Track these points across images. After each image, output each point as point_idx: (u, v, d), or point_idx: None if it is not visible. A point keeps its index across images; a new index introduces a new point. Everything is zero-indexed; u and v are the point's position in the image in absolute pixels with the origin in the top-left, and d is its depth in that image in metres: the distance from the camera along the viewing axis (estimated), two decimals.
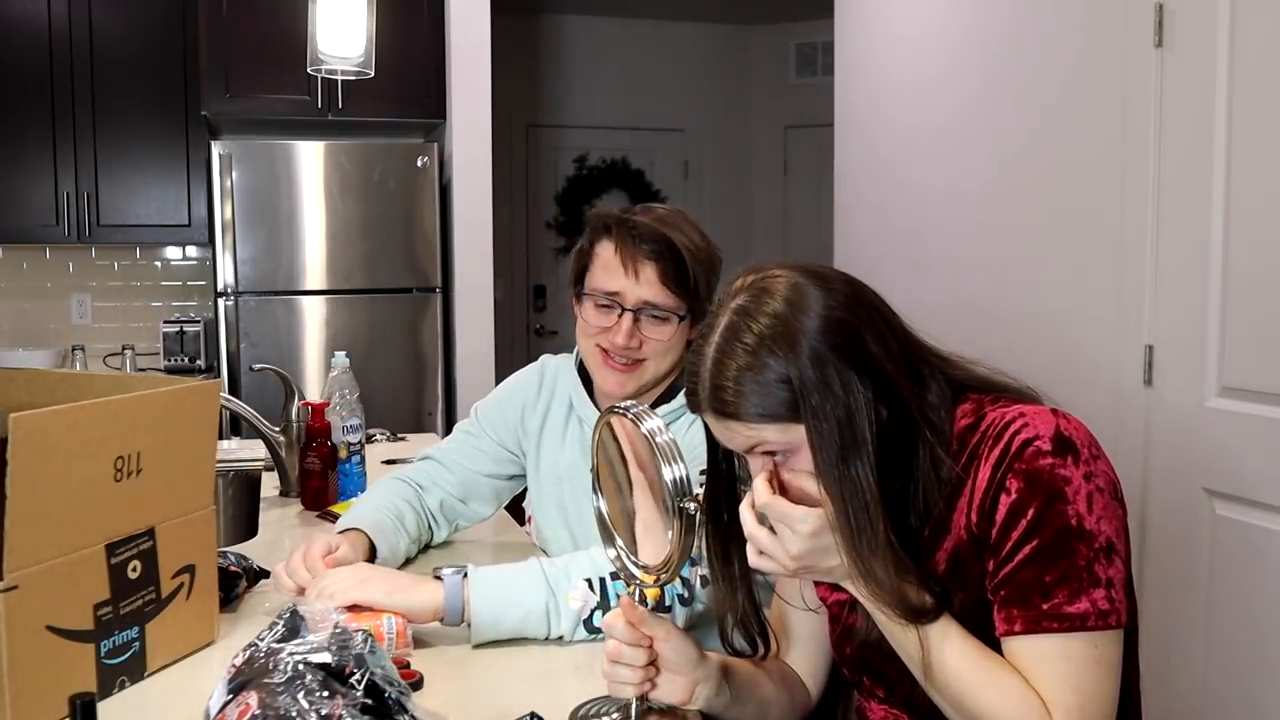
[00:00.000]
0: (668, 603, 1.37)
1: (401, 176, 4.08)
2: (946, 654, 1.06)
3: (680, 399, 1.52)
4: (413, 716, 0.95)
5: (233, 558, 1.51)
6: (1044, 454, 1.04)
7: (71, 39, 4.15)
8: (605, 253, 1.53)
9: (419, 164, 4.08)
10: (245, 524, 2.09)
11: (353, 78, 2.38)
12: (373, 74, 2.33)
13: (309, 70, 2.29)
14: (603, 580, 1.36)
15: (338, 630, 0.97)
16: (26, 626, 1.05)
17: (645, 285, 1.51)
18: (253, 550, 1.69)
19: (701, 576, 1.35)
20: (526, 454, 1.72)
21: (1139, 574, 2.50)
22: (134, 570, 1.17)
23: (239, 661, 0.98)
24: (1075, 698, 1.03)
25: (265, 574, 1.54)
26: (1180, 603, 2.37)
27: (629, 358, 1.54)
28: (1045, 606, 1.03)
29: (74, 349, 4.36)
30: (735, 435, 1.07)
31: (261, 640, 0.98)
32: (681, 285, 1.51)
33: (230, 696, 0.94)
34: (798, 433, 1.04)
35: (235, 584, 1.47)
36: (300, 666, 0.92)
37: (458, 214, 4.07)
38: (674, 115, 6.28)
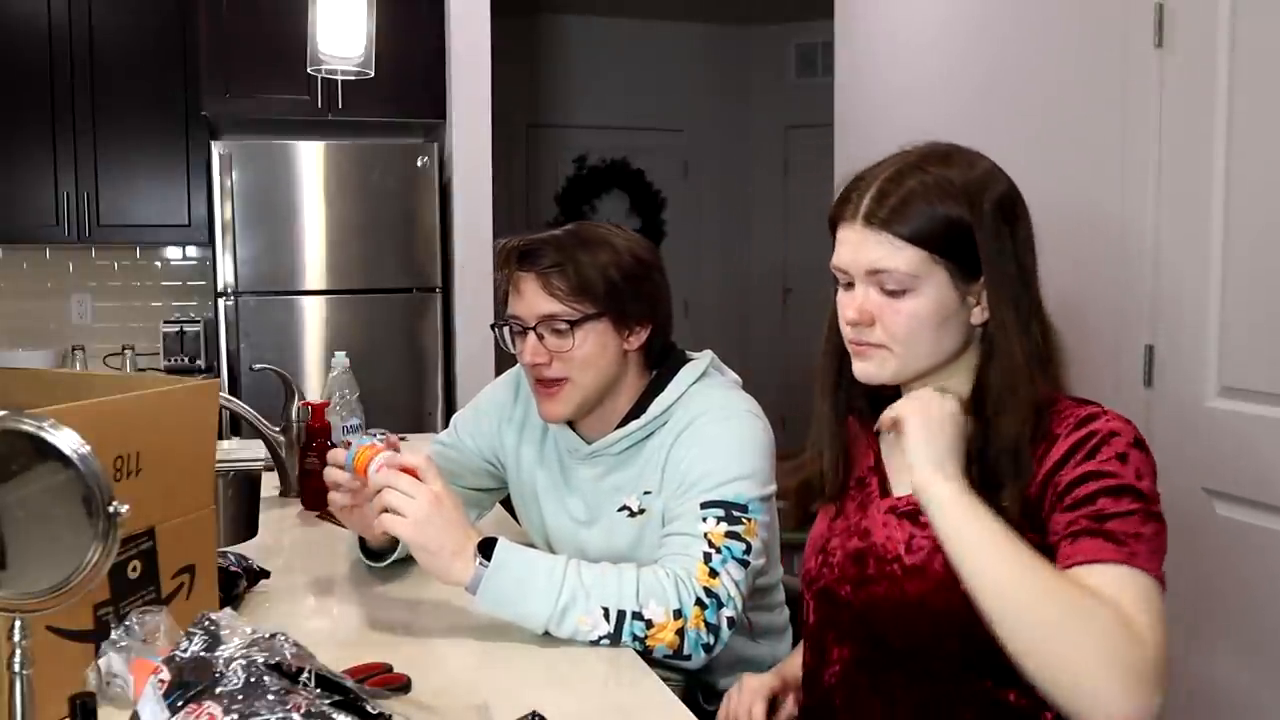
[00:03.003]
0: (687, 651, 1.31)
1: (401, 176, 4.07)
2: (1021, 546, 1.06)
3: (649, 415, 1.49)
4: (376, 706, 0.93)
5: (233, 558, 1.51)
6: (1131, 445, 1.10)
7: (71, 39, 4.14)
8: (507, 283, 1.53)
9: (419, 164, 4.08)
10: (245, 524, 2.09)
11: (353, 78, 2.38)
12: (373, 74, 2.33)
13: (309, 70, 2.29)
14: (621, 613, 1.30)
15: (254, 633, 0.94)
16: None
17: (533, 299, 1.48)
18: (253, 550, 1.69)
19: (729, 619, 1.34)
20: (506, 468, 1.69)
21: None
22: (134, 570, 1.17)
23: (166, 677, 0.92)
24: (1153, 622, 1.06)
25: (265, 574, 1.54)
26: (1180, 603, 2.36)
27: (546, 378, 1.50)
28: (1123, 548, 1.07)
29: (74, 349, 4.36)
30: (865, 248, 1.09)
31: (184, 651, 0.93)
32: (575, 290, 1.46)
33: (169, 713, 0.89)
34: (927, 272, 1.08)
35: (235, 584, 1.47)
36: (253, 670, 0.88)
37: (458, 214, 4.07)
38: (674, 115, 6.28)
